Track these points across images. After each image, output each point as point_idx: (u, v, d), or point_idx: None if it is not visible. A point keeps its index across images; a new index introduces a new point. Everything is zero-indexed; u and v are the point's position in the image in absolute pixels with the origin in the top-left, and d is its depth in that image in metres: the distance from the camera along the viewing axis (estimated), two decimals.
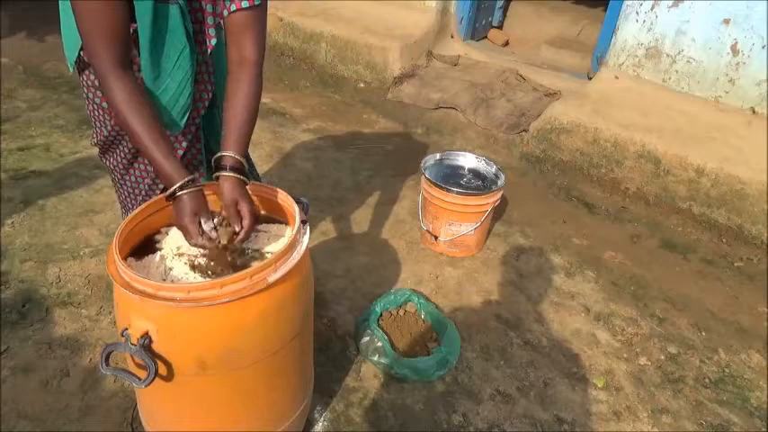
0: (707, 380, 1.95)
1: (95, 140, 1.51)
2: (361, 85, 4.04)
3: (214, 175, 1.22)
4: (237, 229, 1.16)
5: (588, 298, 2.28)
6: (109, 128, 1.44)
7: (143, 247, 1.23)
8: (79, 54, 1.34)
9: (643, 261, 2.55)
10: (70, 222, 2.37)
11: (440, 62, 4.16)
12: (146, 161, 1.46)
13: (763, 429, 1.78)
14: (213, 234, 1.14)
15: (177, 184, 1.11)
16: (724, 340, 2.13)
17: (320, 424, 1.64)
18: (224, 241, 1.14)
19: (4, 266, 2.09)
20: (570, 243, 2.63)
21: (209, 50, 1.31)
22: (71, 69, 1.38)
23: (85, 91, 1.42)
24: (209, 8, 1.23)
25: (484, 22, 4.60)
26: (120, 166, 1.52)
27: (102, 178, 2.69)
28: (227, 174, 1.19)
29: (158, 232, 1.28)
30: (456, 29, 4.33)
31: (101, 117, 1.44)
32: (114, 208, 2.47)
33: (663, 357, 2.02)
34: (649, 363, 1.99)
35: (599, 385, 1.87)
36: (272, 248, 1.24)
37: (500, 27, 4.88)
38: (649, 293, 2.35)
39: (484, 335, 2.02)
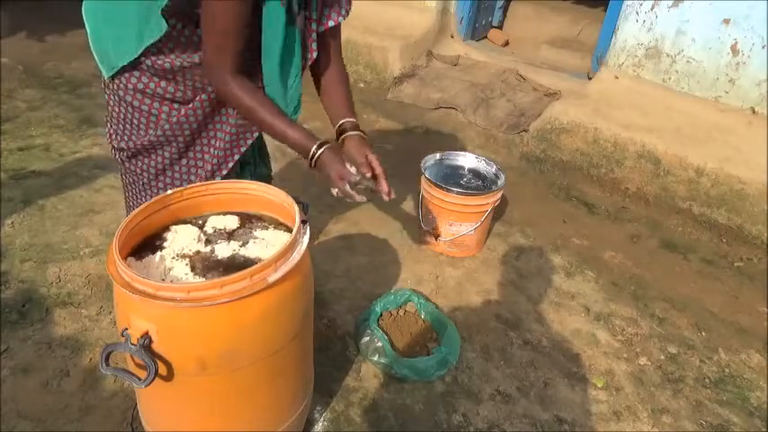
0: (707, 380, 1.95)
1: (126, 144, 1.47)
2: (361, 85, 4.04)
3: (340, 138, 1.41)
4: (369, 175, 1.32)
5: (588, 298, 2.28)
6: (159, 132, 1.42)
7: (143, 247, 1.23)
8: (128, 61, 1.33)
9: (643, 261, 2.56)
10: (70, 222, 2.37)
11: (440, 62, 4.16)
12: (180, 168, 1.51)
13: (763, 429, 1.78)
14: (357, 177, 1.29)
15: (314, 147, 1.30)
16: (724, 340, 2.13)
17: (320, 424, 1.64)
18: (368, 184, 1.31)
19: (4, 266, 2.09)
20: (570, 243, 2.63)
21: (309, 63, 1.41)
22: (106, 76, 1.38)
23: (123, 95, 1.40)
24: (313, 25, 1.36)
25: (484, 22, 4.60)
26: (153, 171, 1.51)
27: (102, 178, 2.69)
28: (352, 133, 1.41)
29: (160, 231, 1.28)
30: (456, 29, 4.33)
31: (143, 122, 1.43)
32: (115, 208, 2.47)
33: (663, 357, 2.02)
34: (649, 363, 1.99)
35: (599, 385, 1.87)
36: (267, 256, 1.23)
37: (500, 27, 4.88)
38: (649, 293, 2.35)
39: (484, 335, 2.02)
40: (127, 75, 1.37)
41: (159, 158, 1.49)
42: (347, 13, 1.42)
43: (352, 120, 1.44)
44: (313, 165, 1.32)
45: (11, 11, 4.65)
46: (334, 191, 1.33)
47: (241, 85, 1.28)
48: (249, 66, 1.32)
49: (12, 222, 2.33)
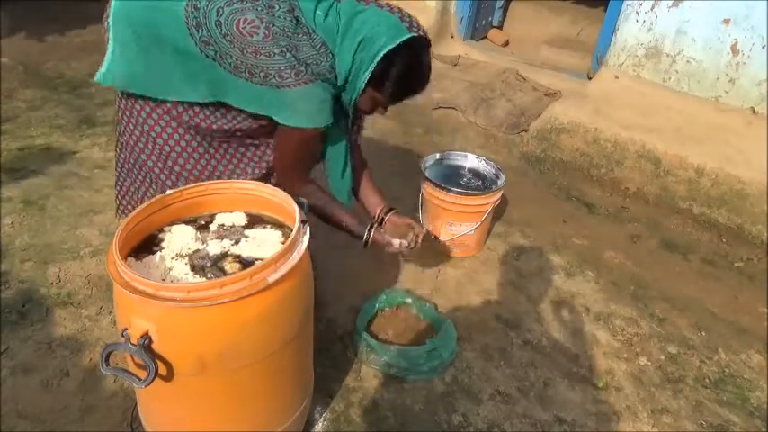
0: (707, 380, 1.95)
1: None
2: None
3: (385, 218, 1.76)
4: (413, 236, 1.69)
5: (588, 298, 2.28)
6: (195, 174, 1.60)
7: (143, 247, 1.23)
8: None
9: (643, 261, 2.55)
10: (70, 222, 2.37)
11: (440, 62, 4.16)
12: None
13: (763, 429, 1.78)
14: (405, 243, 1.65)
15: (366, 233, 1.61)
16: (724, 340, 2.13)
17: (320, 424, 1.64)
18: (415, 244, 1.69)
19: (4, 266, 2.09)
20: (570, 243, 2.63)
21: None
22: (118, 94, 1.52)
23: (147, 133, 1.53)
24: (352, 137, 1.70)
25: (484, 22, 4.60)
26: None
27: (102, 178, 2.69)
28: (392, 212, 1.76)
29: (160, 231, 1.28)
30: (456, 29, 4.33)
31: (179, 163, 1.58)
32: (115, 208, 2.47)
33: (663, 357, 2.02)
34: (649, 363, 1.99)
35: (599, 385, 1.87)
36: (258, 254, 1.23)
37: (500, 27, 4.88)
38: (649, 293, 2.35)
39: (484, 335, 2.02)
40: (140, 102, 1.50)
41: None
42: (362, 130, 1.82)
43: (387, 206, 1.79)
44: (366, 245, 1.62)
45: (11, 11, 4.65)
46: (393, 251, 1.68)
47: (310, 191, 1.54)
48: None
49: (12, 222, 2.33)
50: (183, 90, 1.40)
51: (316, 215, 1.58)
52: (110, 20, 1.37)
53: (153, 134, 1.50)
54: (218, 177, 1.57)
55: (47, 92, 3.57)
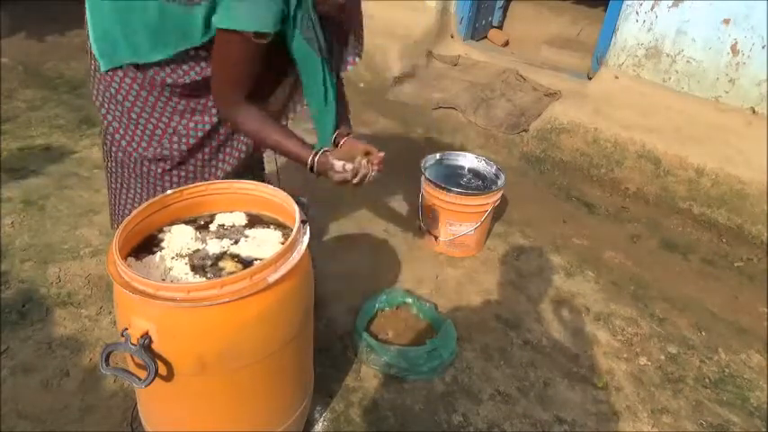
0: (707, 380, 1.95)
1: (150, 155, 1.51)
2: (362, 85, 4.04)
3: (340, 142, 1.51)
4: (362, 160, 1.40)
5: (588, 298, 2.28)
6: (181, 151, 1.49)
7: (143, 247, 1.23)
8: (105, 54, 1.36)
9: (643, 261, 2.55)
10: (70, 222, 2.37)
11: (440, 62, 4.16)
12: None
13: (763, 429, 1.78)
14: (350, 166, 1.37)
15: (310, 157, 1.38)
16: (724, 340, 2.13)
17: (320, 424, 1.64)
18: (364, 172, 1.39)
19: (4, 266, 2.09)
20: (570, 243, 2.63)
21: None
22: (104, 68, 1.38)
23: (116, 101, 1.42)
24: (348, 58, 1.58)
25: (484, 22, 4.60)
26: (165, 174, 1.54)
27: (102, 178, 2.68)
28: (348, 137, 1.53)
29: (160, 231, 1.28)
30: (456, 29, 4.32)
31: (154, 133, 1.47)
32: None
33: (663, 357, 2.02)
34: (649, 363, 1.99)
35: (599, 385, 1.87)
36: (258, 254, 1.23)
37: (500, 27, 4.87)
38: (649, 293, 2.34)
39: (484, 335, 2.02)
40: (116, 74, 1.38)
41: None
42: (360, 54, 1.60)
43: (348, 130, 1.56)
44: (314, 171, 1.40)
45: (11, 11, 4.65)
46: (339, 178, 1.40)
47: (247, 114, 1.36)
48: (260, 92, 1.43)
49: (12, 222, 2.33)
50: (146, 47, 1.32)
51: (255, 141, 1.47)
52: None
53: (119, 98, 1.43)
54: (174, 132, 1.46)
55: (47, 92, 3.57)
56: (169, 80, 1.36)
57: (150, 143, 1.47)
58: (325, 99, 1.45)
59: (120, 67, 1.37)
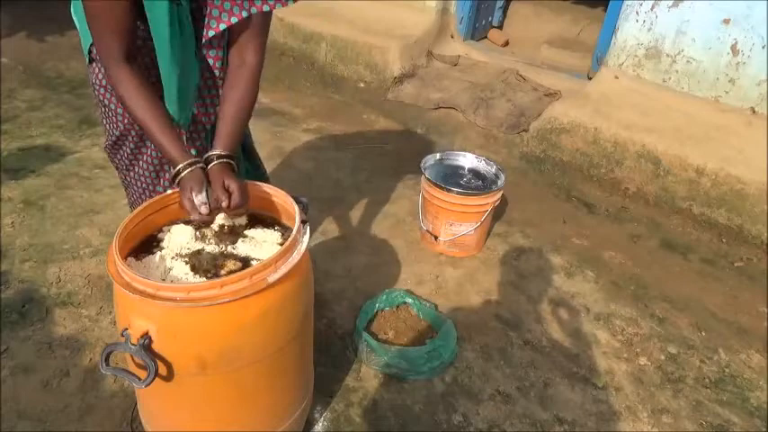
0: (707, 380, 1.95)
1: (107, 143, 1.51)
2: (361, 85, 4.04)
3: (209, 167, 1.24)
4: (225, 204, 1.19)
5: (588, 298, 2.28)
6: (122, 127, 1.44)
7: (143, 247, 1.23)
8: (90, 50, 1.36)
9: (643, 261, 2.55)
10: (70, 222, 2.37)
11: (440, 62, 4.16)
12: (147, 158, 1.49)
13: (763, 429, 1.78)
14: (203, 207, 1.18)
15: (180, 166, 1.20)
16: (724, 340, 2.13)
17: (320, 424, 1.64)
18: (213, 215, 1.21)
19: (4, 266, 2.09)
20: (570, 243, 2.63)
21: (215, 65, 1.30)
22: (87, 62, 1.40)
23: (95, 91, 1.42)
24: (214, 12, 1.19)
25: (484, 22, 4.60)
26: (126, 162, 1.52)
27: (102, 178, 2.69)
28: (214, 162, 1.24)
29: (160, 231, 1.28)
30: (456, 29, 4.33)
31: (112, 118, 1.44)
32: (115, 208, 2.47)
33: (663, 357, 2.02)
34: (649, 363, 1.99)
35: (599, 385, 1.87)
36: (258, 254, 1.23)
37: (500, 27, 4.87)
38: (649, 293, 2.35)
39: (484, 335, 2.02)
40: (95, 67, 1.38)
41: (126, 151, 1.49)
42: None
43: (220, 152, 1.26)
44: (176, 182, 1.21)
45: (11, 11, 4.65)
46: (189, 207, 1.20)
47: (124, 72, 1.20)
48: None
49: (12, 222, 2.33)
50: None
51: (125, 109, 1.26)
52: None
53: (93, 90, 1.43)
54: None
55: (47, 92, 3.57)
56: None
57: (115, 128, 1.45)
58: (171, 54, 1.21)
59: (95, 60, 1.38)
